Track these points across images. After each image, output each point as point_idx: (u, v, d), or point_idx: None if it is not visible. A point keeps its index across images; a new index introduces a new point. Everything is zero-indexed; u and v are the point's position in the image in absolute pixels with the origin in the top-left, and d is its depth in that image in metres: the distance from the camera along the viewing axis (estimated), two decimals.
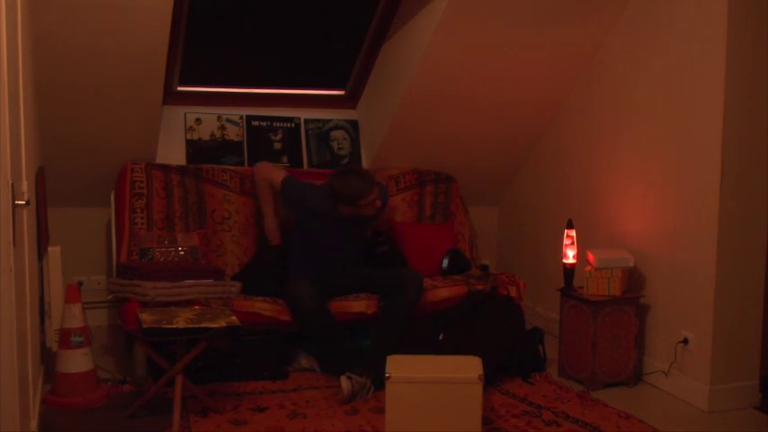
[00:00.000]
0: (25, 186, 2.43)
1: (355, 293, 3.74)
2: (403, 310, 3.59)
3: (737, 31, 3.17)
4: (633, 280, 3.69)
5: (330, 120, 4.67)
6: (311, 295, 3.53)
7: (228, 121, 4.47)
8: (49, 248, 3.64)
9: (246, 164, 4.42)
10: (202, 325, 3.01)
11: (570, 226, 3.83)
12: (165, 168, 4.12)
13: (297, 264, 3.83)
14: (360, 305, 3.68)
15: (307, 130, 4.60)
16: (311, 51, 4.50)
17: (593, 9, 3.78)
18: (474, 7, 3.64)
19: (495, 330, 3.64)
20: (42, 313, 3.51)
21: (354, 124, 4.72)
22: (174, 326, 2.97)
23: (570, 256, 3.79)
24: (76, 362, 3.23)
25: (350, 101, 4.72)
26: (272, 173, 3.97)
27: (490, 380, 3.34)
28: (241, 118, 4.49)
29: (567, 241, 3.81)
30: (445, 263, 4.26)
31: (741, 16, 3.17)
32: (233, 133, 4.47)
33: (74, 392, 3.21)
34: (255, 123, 4.51)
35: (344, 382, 3.28)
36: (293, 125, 4.58)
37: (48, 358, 3.57)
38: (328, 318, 3.57)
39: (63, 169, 4.02)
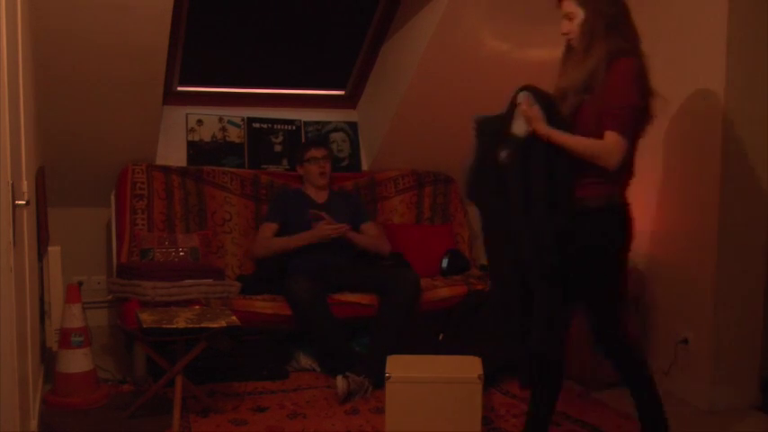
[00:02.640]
0: (25, 186, 2.43)
1: (352, 292, 3.76)
2: (399, 311, 3.59)
3: (738, 30, 3.17)
4: (633, 280, 3.68)
5: (329, 122, 4.67)
6: (309, 288, 3.56)
7: (230, 122, 4.47)
8: (49, 248, 3.64)
9: (247, 166, 4.43)
10: (202, 325, 3.01)
11: None
12: (166, 170, 4.12)
13: (294, 262, 3.86)
14: (356, 297, 3.72)
15: (306, 133, 4.60)
16: (311, 51, 4.51)
17: None
18: (473, 8, 3.64)
19: (495, 330, 3.64)
20: (42, 313, 3.51)
21: (354, 126, 4.72)
22: (174, 326, 2.97)
23: None
24: (76, 362, 3.23)
25: (350, 101, 4.73)
26: (256, 237, 4.03)
27: (490, 380, 3.34)
28: (242, 120, 4.49)
29: None
30: (445, 263, 4.26)
31: (741, 15, 3.18)
32: (234, 135, 4.47)
33: (74, 392, 3.21)
34: (256, 125, 4.52)
35: (340, 382, 3.28)
36: (294, 128, 4.59)
37: (48, 358, 3.57)
38: (326, 312, 3.58)
39: (63, 169, 4.02)
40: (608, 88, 2.44)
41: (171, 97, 4.35)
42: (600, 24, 2.52)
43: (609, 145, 2.41)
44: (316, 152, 4.07)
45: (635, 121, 2.45)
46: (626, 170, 2.52)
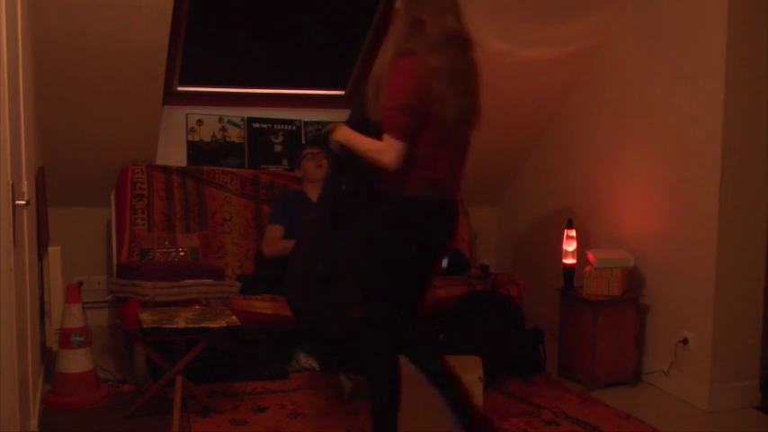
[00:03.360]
0: (25, 186, 2.44)
1: None
2: None
3: (738, 30, 3.17)
4: (633, 280, 3.69)
5: (329, 122, 4.66)
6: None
7: (230, 122, 4.47)
8: (49, 248, 3.64)
9: (247, 166, 4.43)
10: (202, 325, 3.01)
11: (570, 226, 3.83)
12: (166, 170, 4.12)
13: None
14: None
15: (306, 133, 4.60)
16: (311, 51, 4.50)
17: (593, 8, 3.79)
18: (473, 7, 3.63)
19: (495, 330, 3.64)
20: (42, 313, 3.51)
21: None
22: (174, 326, 2.97)
23: (570, 256, 3.79)
24: (76, 362, 3.23)
25: (350, 101, 4.72)
26: (265, 239, 4.04)
27: (490, 380, 3.34)
28: (242, 120, 4.49)
29: (566, 241, 3.81)
30: (444, 263, 4.25)
31: (741, 15, 3.18)
32: (234, 135, 4.47)
33: (74, 392, 3.21)
34: (256, 125, 4.52)
35: (345, 381, 3.28)
36: (294, 128, 4.58)
37: (48, 358, 3.57)
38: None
39: (63, 169, 4.02)
40: (386, 91, 2.42)
41: (171, 97, 4.35)
42: (401, 24, 2.49)
43: (383, 147, 2.41)
44: (311, 150, 4.15)
45: (409, 120, 2.39)
46: (417, 167, 2.48)
